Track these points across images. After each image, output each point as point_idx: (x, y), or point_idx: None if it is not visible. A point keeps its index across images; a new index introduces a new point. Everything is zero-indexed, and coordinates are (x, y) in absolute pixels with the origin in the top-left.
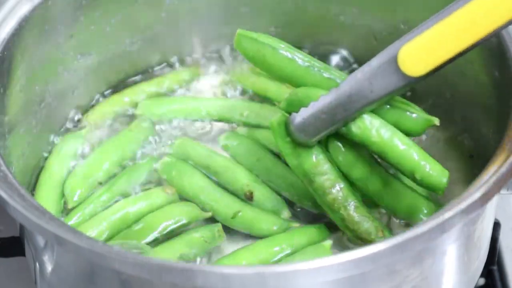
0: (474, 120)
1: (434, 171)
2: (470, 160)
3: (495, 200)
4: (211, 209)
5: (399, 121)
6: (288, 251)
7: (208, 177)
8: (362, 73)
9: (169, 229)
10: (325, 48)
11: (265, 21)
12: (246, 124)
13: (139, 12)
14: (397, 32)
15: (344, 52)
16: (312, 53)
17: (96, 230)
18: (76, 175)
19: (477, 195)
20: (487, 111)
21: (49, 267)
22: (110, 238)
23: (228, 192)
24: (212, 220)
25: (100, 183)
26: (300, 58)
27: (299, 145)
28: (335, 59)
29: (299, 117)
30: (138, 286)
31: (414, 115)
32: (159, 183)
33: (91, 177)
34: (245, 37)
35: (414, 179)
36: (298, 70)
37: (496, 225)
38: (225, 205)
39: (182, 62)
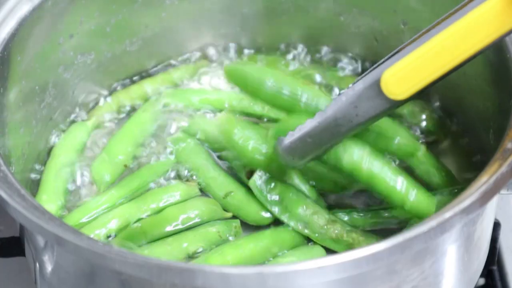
0: (474, 120)
1: (423, 202)
2: (470, 160)
3: (495, 200)
4: (207, 186)
5: (387, 148)
6: (275, 250)
7: (211, 157)
8: (346, 97)
9: (187, 224)
10: (325, 48)
11: (265, 21)
12: (267, 119)
13: (139, 12)
14: (397, 32)
15: (344, 52)
16: (312, 53)
17: (117, 218)
18: (102, 160)
19: (477, 195)
20: (487, 111)
21: (49, 267)
22: (127, 225)
23: (227, 173)
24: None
25: (126, 166)
26: (287, 90)
27: (286, 166)
28: (335, 59)
29: (286, 140)
30: (138, 286)
31: (402, 141)
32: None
33: (116, 160)
34: (233, 70)
35: (403, 209)
36: (285, 101)
37: (496, 225)
38: (220, 184)
39: (182, 62)
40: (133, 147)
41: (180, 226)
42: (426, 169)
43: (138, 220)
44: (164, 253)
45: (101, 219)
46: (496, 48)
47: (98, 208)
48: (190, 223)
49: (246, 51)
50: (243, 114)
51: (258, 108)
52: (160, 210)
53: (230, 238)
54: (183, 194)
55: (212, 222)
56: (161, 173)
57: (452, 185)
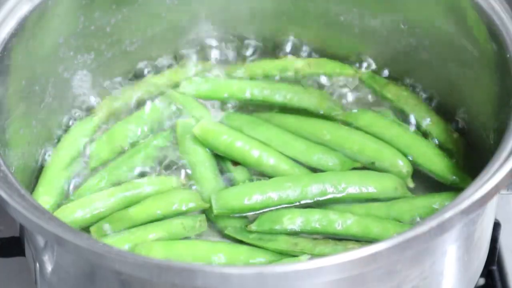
0: (474, 120)
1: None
2: (470, 159)
3: (495, 200)
4: (198, 183)
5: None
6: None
7: (212, 157)
8: None
9: (165, 213)
10: (324, 48)
11: (264, 21)
12: (289, 107)
13: (139, 12)
14: (397, 32)
15: (344, 52)
16: (312, 52)
17: (100, 203)
18: (101, 140)
19: (477, 195)
20: (487, 111)
21: (49, 267)
22: (109, 214)
23: (221, 180)
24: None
25: (123, 149)
26: (256, 149)
27: None
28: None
29: None
30: (138, 286)
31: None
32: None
33: (116, 142)
34: (205, 134)
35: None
36: (253, 160)
37: (496, 225)
38: (212, 188)
39: (182, 62)
40: (135, 133)
41: (157, 217)
42: (429, 158)
43: (123, 207)
44: (127, 242)
45: (85, 202)
46: (496, 48)
47: (88, 190)
48: (168, 213)
49: (243, 50)
50: (265, 103)
51: (279, 97)
52: (143, 199)
53: (193, 230)
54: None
55: (179, 216)
56: (150, 158)
57: (457, 177)
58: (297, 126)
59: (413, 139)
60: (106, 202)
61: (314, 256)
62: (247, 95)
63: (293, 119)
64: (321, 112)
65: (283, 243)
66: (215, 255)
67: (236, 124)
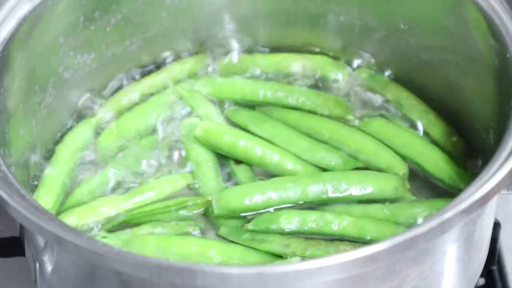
0: (474, 120)
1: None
2: (470, 160)
3: (495, 200)
4: (200, 181)
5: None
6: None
7: (216, 157)
8: None
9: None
10: (325, 48)
11: (265, 20)
12: (300, 110)
13: (139, 12)
14: (397, 32)
15: (344, 51)
16: (312, 53)
17: (104, 210)
18: (109, 132)
19: (477, 195)
20: (487, 111)
21: (49, 267)
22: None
23: (223, 179)
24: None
25: (130, 140)
26: (260, 147)
27: None
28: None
29: None
30: (138, 286)
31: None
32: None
33: (124, 133)
34: (207, 135)
35: None
36: (257, 158)
37: (496, 225)
38: (213, 187)
39: (182, 62)
40: (144, 126)
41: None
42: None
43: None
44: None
45: (90, 208)
46: (496, 48)
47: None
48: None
49: (245, 50)
50: (277, 105)
51: (292, 100)
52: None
53: (195, 232)
54: (175, 188)
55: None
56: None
57: (459, 179)
58: (298, 122)
59: (422, 147)
60: (111, 210)
61: (305, 258)
62: (260, 97)
63: (295, 115)
64: (333, 117)
65: (275, 244)
66: (209, 253)
67: (241, 120)
